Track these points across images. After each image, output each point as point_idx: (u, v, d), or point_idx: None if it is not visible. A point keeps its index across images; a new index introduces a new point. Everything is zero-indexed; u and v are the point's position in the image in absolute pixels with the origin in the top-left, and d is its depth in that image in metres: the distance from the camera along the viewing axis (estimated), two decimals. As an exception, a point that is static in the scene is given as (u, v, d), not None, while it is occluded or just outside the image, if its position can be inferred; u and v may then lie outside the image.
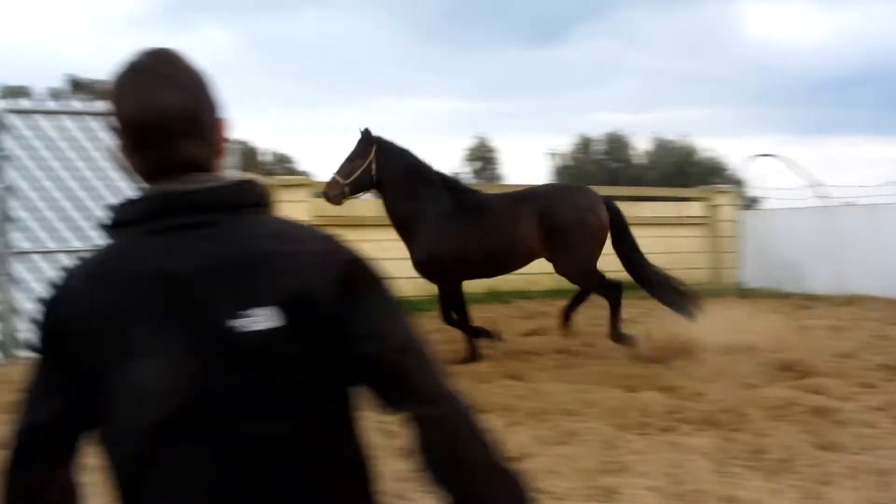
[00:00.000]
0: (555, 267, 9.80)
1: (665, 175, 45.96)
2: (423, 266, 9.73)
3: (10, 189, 9.80)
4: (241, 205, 1.79)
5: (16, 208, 9.80)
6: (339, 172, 9.80)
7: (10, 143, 9.80)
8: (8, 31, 69.46)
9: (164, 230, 1.74)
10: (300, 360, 1.73)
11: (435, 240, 9.58)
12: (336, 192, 9.78)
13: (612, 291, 9.64)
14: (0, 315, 9.75)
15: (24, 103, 10.74)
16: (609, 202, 9.94)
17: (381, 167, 9.70)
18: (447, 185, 9.96)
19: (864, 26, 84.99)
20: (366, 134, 9.78)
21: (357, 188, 9.82)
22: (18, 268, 9.71)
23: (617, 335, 9.75)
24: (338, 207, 10.17)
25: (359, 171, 9.68)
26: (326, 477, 1.79)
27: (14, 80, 41.08)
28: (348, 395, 1.83)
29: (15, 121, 9.91)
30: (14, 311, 9.71)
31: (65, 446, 1.84)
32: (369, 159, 9.68)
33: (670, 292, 9.73)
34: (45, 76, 77.94)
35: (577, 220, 9.56)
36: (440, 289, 9.88)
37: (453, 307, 9.82)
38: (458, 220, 9.63)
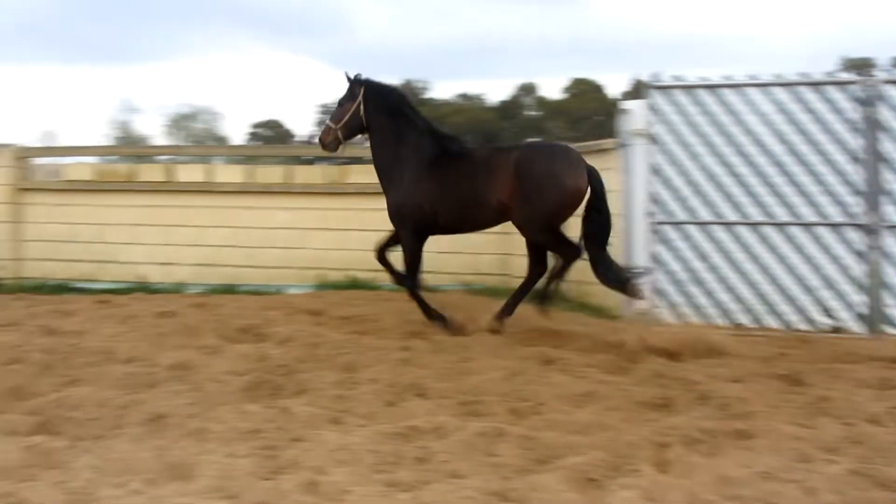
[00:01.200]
0: (512, 218, 9.35)
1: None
2: (396, 213, 9.63)
3: (886, 161, 9.85)
4: None
5: (891, 181, 9.85)
6: (331, 118, 9.95)
7: (885, 115, 9.84)
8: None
9: None
10: None
11: (411, 187, 9.52)
12: (330, 138, 9.85)
13: (570, 251, 9.24)
14: (867, 288, 9.85)
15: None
16: (591, 169, 9.30)
17: (368, 109, 9.74)
18: (431, 130, 9.78)
19: None
20: (355, 76, 9.83)
21: (349, 132, 9.87)
22: (890, 241, 9.81)
23: (548, 293, 9.45)
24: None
25: (348, 115, 9.77)
26: None
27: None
28: None
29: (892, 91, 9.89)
30: (883, 284, 9.81)
31: None
32: (357, 101, 9.75)
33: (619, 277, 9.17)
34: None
35: (548, 176, 9.09)
36: (405, 240, 9.61)
37: (415, 264, 9.58)
38: (436, 168, 9.52)
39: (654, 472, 4.92)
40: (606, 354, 8.09)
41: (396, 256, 9.66)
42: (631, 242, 10.41)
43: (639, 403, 6.44)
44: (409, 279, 9.60)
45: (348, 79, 9.88)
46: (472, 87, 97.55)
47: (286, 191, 13.51)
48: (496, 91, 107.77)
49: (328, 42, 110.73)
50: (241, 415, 5.98)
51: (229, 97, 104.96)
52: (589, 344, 8.50)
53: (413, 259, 9.58)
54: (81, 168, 14.72)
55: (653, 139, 10.29)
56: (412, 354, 8.00)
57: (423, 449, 5.29)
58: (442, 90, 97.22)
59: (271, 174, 13.87)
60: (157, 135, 53.99)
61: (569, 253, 9.26)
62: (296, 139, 68.27)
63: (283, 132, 69.98)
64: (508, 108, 66.70)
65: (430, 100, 69.16)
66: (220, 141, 52.26)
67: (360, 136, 10.04)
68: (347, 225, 13.21)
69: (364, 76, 9.86)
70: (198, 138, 53.08)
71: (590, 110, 58.63)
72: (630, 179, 10.48)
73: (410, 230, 9.56)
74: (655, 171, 10.27)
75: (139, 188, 13.98)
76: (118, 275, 13.94)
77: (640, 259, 10.16)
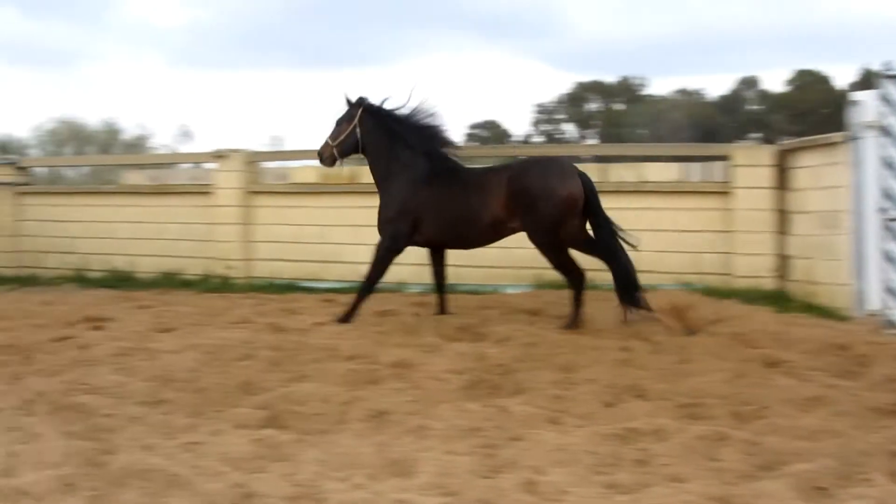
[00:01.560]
0: (522, 230, 9.74)
1: None
2: (382, 227, 10.24)
3: None
4: None
5: None
6: (330, 135, 10.44)
7: None
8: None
9: None
10: None
11: (401, 204, 10.03)
12: (327, 154, 10.42)
13: (572, 277, 9.55)
14: None
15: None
16: (582, 174, 9.64)
17: (364, 131, 10.22)
18: (426, 150, 10.12)
19: None
20: (354, 98, 10.32)
21: (344, 151, 10.37)
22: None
23: (570, 322, 9.48)
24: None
25: (344, 135, 10.27)
26: None
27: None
28: None
29: None
30: None
31: None
32: (354, 123, 10.23)
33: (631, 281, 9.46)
34: None
35: (543, 189, 9.39)
36: (381, 251, 10.25)
37: (379, 275, 10.30)
38: (427, 185, 9.96)
39: (888, 483, 4.67)
40: (835, 357, 7.76)
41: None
42: (861, 240, 9.96)
43: (871, 409, 6.14)
44: (368, 285, 10.27)
45: (347, 102, 10.37)
46: (690, 82, 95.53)
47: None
48: (716, 86, 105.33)
49: (544, 42, 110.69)
50: (461, 413, 6.03)
51: (449, 98, 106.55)
52: (815, 346, 8.16)
53: (381, 269, 10.29)
54: (305, 171, 15.22)
55: (885, 131, 9.81)
56: (631, 355, 7.89)
57: (643, 451, 5.21)
58: (659, 86, 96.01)
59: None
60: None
61: (570, 275, 9.59)
62: (512, 139, 68.80)
63: (499, 132, 70.56)
64: (728, 103, 65.06)
65: (648, 96, 68.32)
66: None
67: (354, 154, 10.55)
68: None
69: (366, 99, 10.30)
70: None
71: (814, 103, 56.46)
72: (860, 174, 10.02)
73: (390, 244, 10.18)
74: (888, 164, 9.78)
75: (358, 189, 14.31)
76: (342, 274, 14.32)
77: (872, 258, 9.74)
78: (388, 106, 10.36)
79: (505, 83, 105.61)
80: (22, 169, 17.36)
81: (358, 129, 10.24)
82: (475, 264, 13.45)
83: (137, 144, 48.99)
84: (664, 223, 12.69)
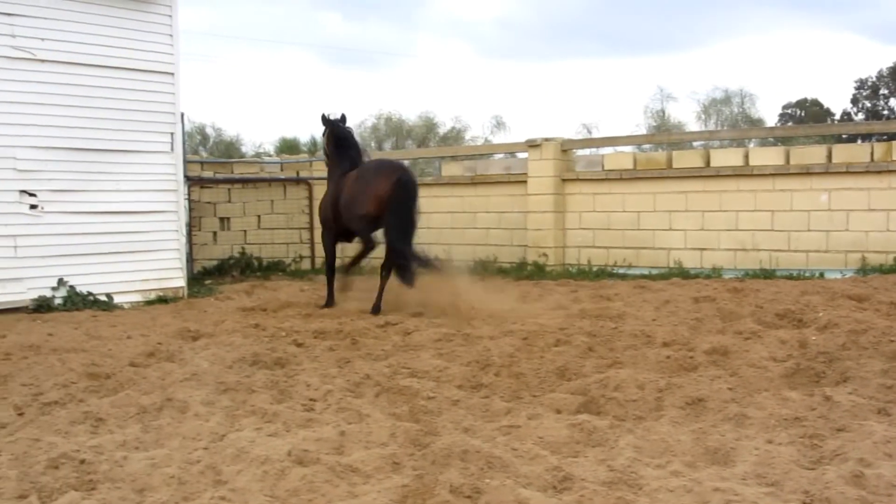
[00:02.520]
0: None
1: None
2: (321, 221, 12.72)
3: None
4: None
5: None
6: None
7: None
8: None
9: None
10: None
11: (324, 199, 12.42)
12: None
13: (367, 243, 11.69)
14: None
15: None
16: (401, 176, 11.22)
17: (326, 143, 12.56)
18: (356, 154, 12.21)
19: None
20: (323, 117, 12.56)
21: (327, 157, 12.73)
22: None
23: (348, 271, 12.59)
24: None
25: (324, 145, 12.87)
26: None
27: None
28: None
29: None
30: None
31: None
32: (324, 137, 12.75)
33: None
34: None
35: (362, 186, 11.34)
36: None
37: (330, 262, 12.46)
38: (338, 184, 11.86)
39: None
40: None
41: None
42: None
43: None
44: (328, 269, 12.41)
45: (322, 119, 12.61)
46: None
47: (826, 171, 12.93)
48: None
49: (861, 14, 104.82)
50: (782, 402, 5.82)
51: (762, 78, 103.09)
52: None
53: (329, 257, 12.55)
54: (618, 157, 15.17)
55: None
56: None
57: None
58: None
59: (809, 154, 13.36)
60: (691, 121, 54.25)
61: (366, 244, 11.70)
62: (835, 117, 65.67)
63: (818, 111, 67.52)
64: None
65: None
66: (754, 123, 51.44)
67: None
68: (893, 205, 12.41)
69: (328, 116, 12.51)
70: (731, 122, 52.62)
71: None
72: None
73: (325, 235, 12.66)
74: None
75: (673, 175, 14.12)
76: (654, 260, 14.22)
77: None
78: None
79: (820, 59, 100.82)
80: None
81: (325, 142, 12.81)
82: (795, 249, 12.99)
83: (453, 136, 50.45)
84: None
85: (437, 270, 11.44)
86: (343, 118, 12.69)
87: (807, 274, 12.47)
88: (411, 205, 11.25)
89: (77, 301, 11.61)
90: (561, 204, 15.12)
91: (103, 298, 11.92)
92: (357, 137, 13.34)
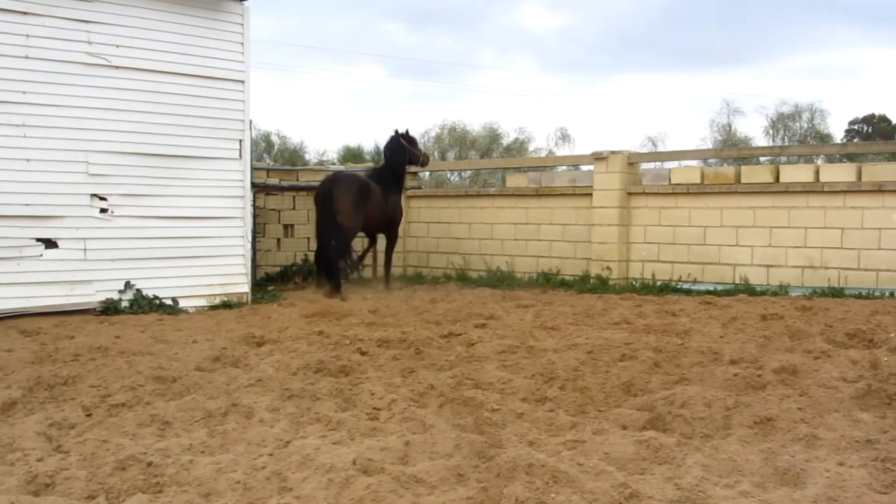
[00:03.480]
0: None
1: None
2: None
3: None
4: None
5: None
6: None
7: None
8: None
9: None
10: None
11: None
12: None
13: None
14: None
15: None
16: (323, 190, 14.45)
17: None
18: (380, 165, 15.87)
19: None
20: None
21: None
22: None
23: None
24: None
25: None
26: None
27: None
28: None
29: None
30: None
31: None
32: None
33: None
34: None
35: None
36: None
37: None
38: None
39: None
40: None
41: None
42: None
43: None
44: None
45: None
46: None
47: (899, 188, 12.71)
48: None
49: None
50: (853, 423, 5.71)
51: (829, 93, 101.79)
52: None
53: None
54: (685, 171, 15.04)
55: None
56: None
57: None
58: None
59: (882, 172, 13.12)
60: (758, 136, 53.63)
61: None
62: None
63: (886, 127, 66.47)
64: None
65: None
66: (823, 139, 50.78)
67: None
68: (967, 224, 12.18)
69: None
70: (800, 137, 51.99)
71: None
72: None
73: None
74: None
75: (741, 190, 13.97)
76: (720, 276, 14.07)
77: None
78: None
79: (889, 75, 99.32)
80: (411, 174, 18.37)
81: None
82: (866, 267, 12.78)
83: (517, 148, 50.36)
84: None
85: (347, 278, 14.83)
86: (396, 132, 15.29)
87: (877, 293, 12.27)
88: (325, 210, 14.13)
89: (143, 304, 11.76)
90: (626, 217, 15.02)
91: (169, 302, 12.07)
92: (395, 149, 15.55)
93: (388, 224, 15.47)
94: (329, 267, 14.21)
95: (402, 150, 15.53)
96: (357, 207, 14.24)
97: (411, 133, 15.55)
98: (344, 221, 14.06)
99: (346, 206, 14.06)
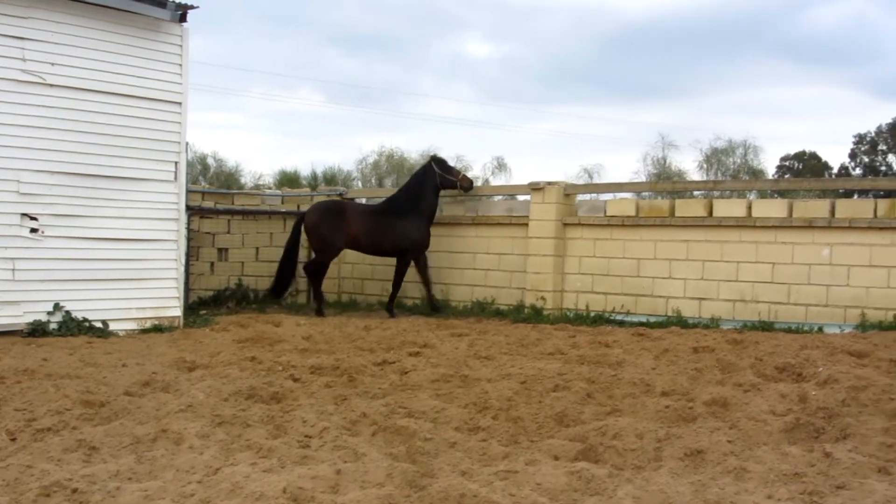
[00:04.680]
0: None
1: None
2: None
3: None
4: None
5: None
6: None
7: None
8: None
9: None
10: None
11: None
12: None
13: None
14: None
15: None
16: (308, 213, 16.00)
17: None
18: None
19: None
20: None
21: None
22: None
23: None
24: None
25: None
26: None
27: None
28: None
29: None
30: None
31: None
32: None
33: None
34: None
35: None
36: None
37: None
38: None
39: None
40: None
41: None
42: None
43: None
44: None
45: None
46: None
47: (828, 225, 12.90)
48: None
49: (868, 69, 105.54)
50: (781, 456, 5.77)
51: (761, 130, 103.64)
52: None
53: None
54: (620, 203, 15.17)
55: None
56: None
57: None
58: None
59: (812, 208, 13.35)
60: (692, 170, 54.32)
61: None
62: (833, 171, 65.91)
63: (816, 164, 67.75)
64: None
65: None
66: (756, 175, 51.59)
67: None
68: (894, 262, 12.40)
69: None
70: (733, 172, 52.78)
71: None
72: None
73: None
74: None
75: (675, 223, 14.12)
76: (653, 308, 14.19)
77: None
78: None
79: (820, 113, 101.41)
80: (348, 200, 18.37)
81: None
82: (795, 302, 12.98)
83: (453, 176, 50.48)
84: None
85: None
86: (430, 158, 16.30)
87: (806, 328, 12.44)
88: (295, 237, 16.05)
89: (72, 327, 11.56)
90: (561, 248, 15.10)
91: (99, 325, 11.87)
92: (415, 174, 16.45)
93: (396, 250, 15.62)
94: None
95: (421, 175, 15.89)
96: (323, 232, 15.46)
97: (448, 160, 16.40)
98: (312, 245, 16.02)
99: (314, 231, 15.59)
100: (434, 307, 15.53)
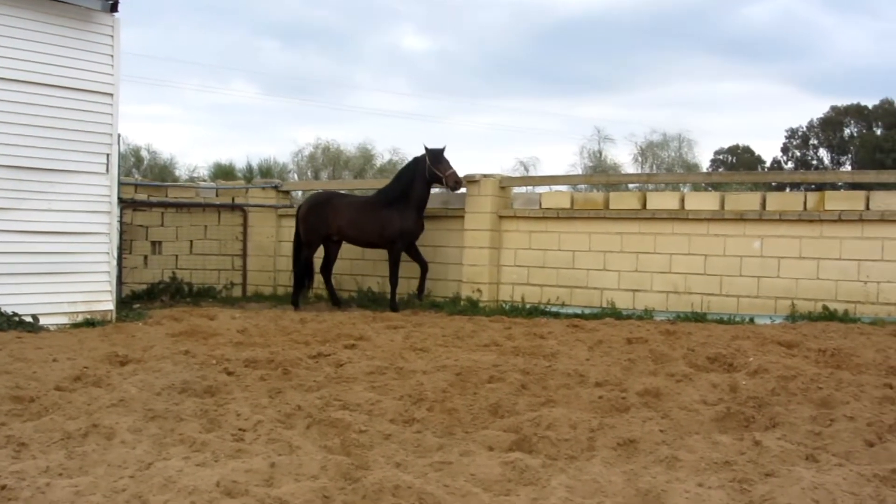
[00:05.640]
0: None
1: None
2: None
3: None
4: None
5: None
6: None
7: None
8: None
9: None
10: None
11: None
12: None
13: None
14: None
15: None
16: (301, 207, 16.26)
17: None
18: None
19: None
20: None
21: None
22: None
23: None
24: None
25: None
26: None
27: None
28: None
29: None
30: None
31: None
32: None
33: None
34: None
35: None
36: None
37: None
38: None
39: None
40: None
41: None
42: None
43: None
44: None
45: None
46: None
47: (759, 218, 13.11)
48: None
49: (800, 65, 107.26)
50: (712, 445, 5.85)
51: (697, 123, 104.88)
52: None
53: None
54: (556, 196, 15.26)
55: None
56: (895, 392, 7.43)
57: (911, 496, 4.88)
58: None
59: (744, 201, 13.54)
60: (627, 163, 54.87)
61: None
62: (766, 165, 66.84)
63: (749, 158, 68.69)
64: None
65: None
66: (690, 168, 52.18)
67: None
68: (823, 254, 12.61)
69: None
70: (668, 166, 53.34)
71: None
72: None
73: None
74: None
75: (609, 216, 14.24)
76: (588, 300, 14.30)
77: None
78: None
79: (753, 107, 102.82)
80: (283, 192, 18.26)
81: None
82: (727, 293, 13.15)
83: (391, 169, 50.46)
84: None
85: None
86: (426, 148, 15.13)
87: (737, 319, 12.61)
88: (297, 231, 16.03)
89: (1, 321, 11.37)
90: (497, 240, 15.15)
91: (29, 320, 11.69)
92: (406, 166, 15.93)
93: (383, 240, 15.39)
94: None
95: (413, 165, 15.48)
96: (311, 223, 15.61)
97: (444, 151, 15.11)
98: (301, 235, 15.90)
99: (303, 221, 15.80)
100: (418, 297, 15.46)
